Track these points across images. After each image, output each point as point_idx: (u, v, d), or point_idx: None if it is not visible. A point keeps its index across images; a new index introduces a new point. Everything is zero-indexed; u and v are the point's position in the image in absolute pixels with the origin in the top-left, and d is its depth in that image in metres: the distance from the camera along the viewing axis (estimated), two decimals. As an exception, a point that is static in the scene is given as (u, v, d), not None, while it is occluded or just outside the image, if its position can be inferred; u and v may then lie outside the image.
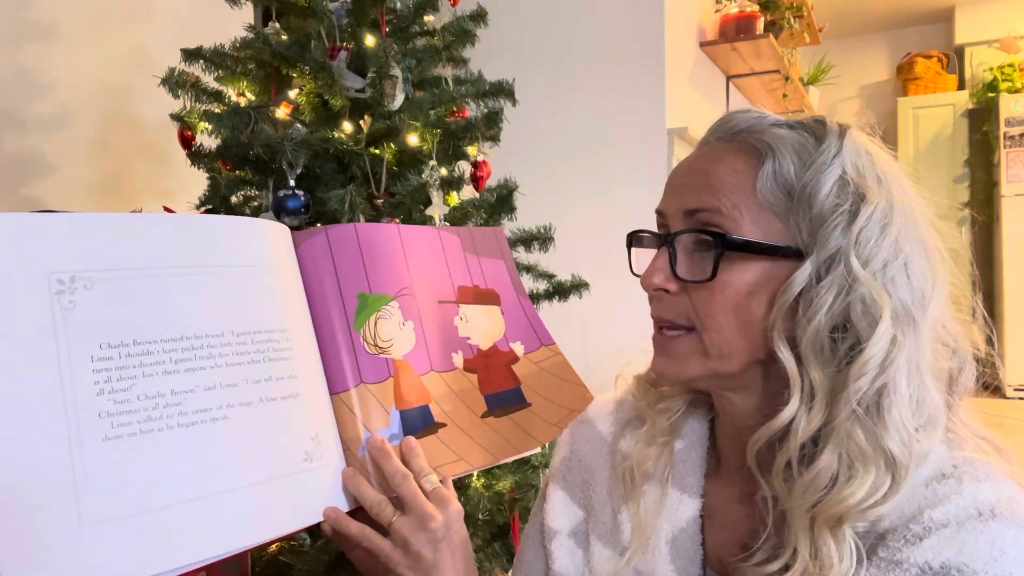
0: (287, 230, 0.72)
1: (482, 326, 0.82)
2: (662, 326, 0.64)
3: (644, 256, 0.66)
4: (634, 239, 0.68)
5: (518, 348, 0.84)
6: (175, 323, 0.60)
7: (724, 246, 0.58)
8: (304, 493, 0.65)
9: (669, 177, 0.66)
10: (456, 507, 0.68)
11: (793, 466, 0.57)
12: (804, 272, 0.57)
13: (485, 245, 0.86)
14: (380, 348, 0.73)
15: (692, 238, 0.61)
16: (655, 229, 0.67)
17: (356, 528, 0.66)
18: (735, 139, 0.62)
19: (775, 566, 0.57)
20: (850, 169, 0.58)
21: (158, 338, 0.59)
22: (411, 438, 0.70)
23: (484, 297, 0.84)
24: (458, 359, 0.79)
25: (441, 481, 0.69)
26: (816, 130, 0.61)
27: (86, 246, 0.58)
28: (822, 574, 0.54)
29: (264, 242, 0.69)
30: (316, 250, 0.72)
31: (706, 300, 0.60)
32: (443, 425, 0.74)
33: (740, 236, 0.59)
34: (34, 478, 0.52)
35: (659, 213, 0.66)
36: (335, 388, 0.70)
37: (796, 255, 0.58)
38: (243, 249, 0.67)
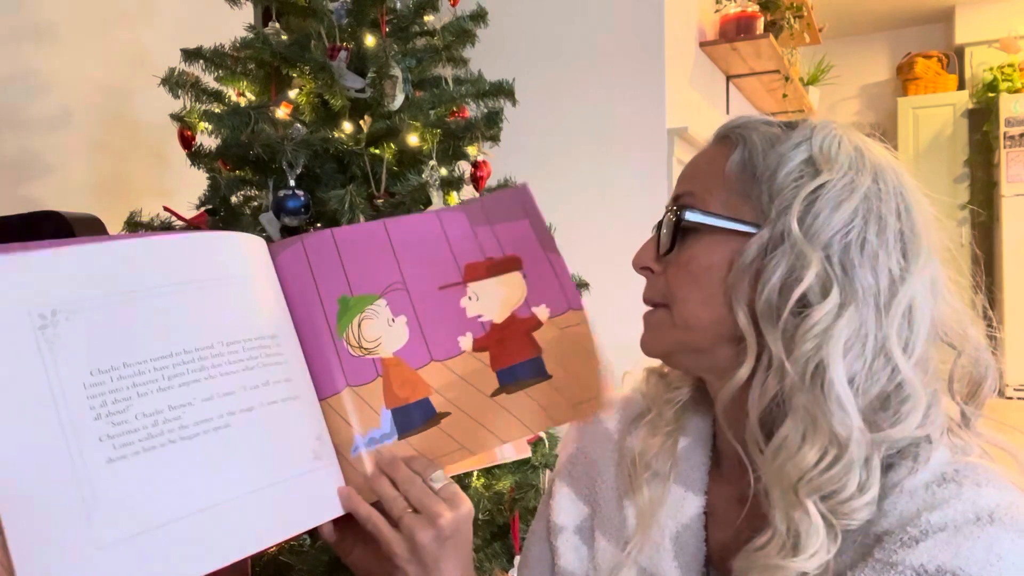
0: (262, 241, 0.73)
1: (498, 298, 0.79)
2: (647, 304, 0.68)
3: None
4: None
5: (542, 312, 0.79)
6: (162, 341, 0.61)
7: (681, 219, 0.63)
8: (318, 489, 0.66)
9: None
10: (467, 509, 0.68)
11: (757, 437, 0.59)
12: (759, 240, 0.60)
13: (502, 210, 0.83)
14: (366, 349, 0.73)
15: (668, 218, 0.65)
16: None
17: (365, 510, 0.66)
18: (721, 135, 0.67)
19: (760, 540, 0.58)
20: (817, 153, 0.61)
21: (147, 357, 0.59)
22: (388, 450, 0.70)
23: (499, 267, 0.81)
24: (466, 342, 0.77)
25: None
26: (794, 124, 0.64)
27: (62, 279, 0.59)
28: (795, 545, 0.55)
29: (239, 255, 0.69)
30: (293, 260, 0.73)
31: (675, 274, 0.64)
32: (447, 414, 0.74)
33: (697, 209, 0.63)
34: (46, 509, 0.53)
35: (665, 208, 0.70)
36: (323, 394, 0.70)
37: (758, 231, 0.61)
38: (218, 262, 0.67)
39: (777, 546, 0.56)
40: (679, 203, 0.65)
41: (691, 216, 0.63)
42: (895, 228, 0.59)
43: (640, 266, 0.68)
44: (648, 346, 0.68)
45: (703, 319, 0.63)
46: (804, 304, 0.57)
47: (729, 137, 0.65)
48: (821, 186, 0.59)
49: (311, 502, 0.65)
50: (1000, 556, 0.50)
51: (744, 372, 0.60)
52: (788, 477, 0.56)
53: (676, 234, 0.64)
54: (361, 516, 0.66)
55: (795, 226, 0.58)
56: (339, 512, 0.66)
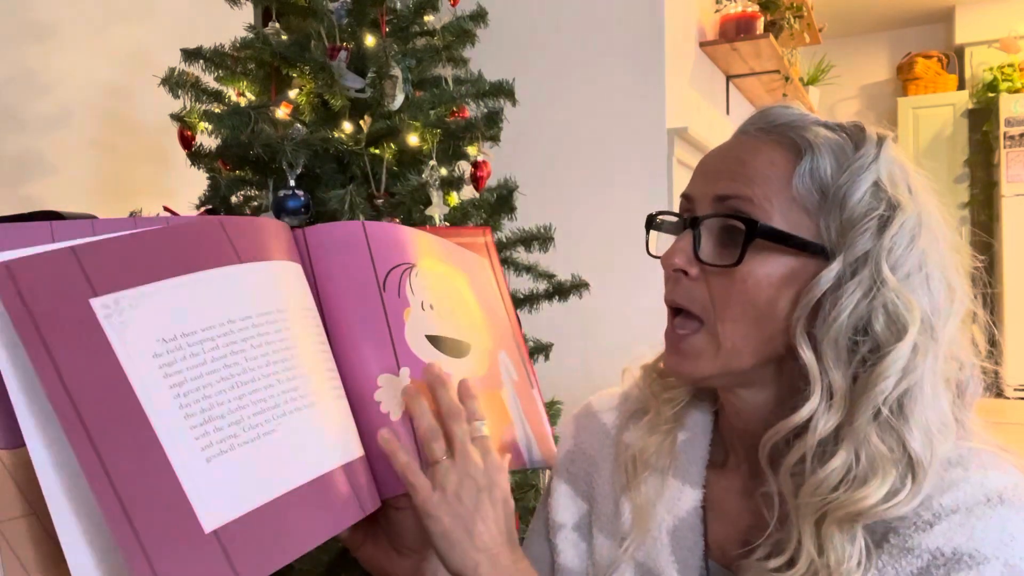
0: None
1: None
2: (676, 313, 0.64)
3: (662, 240, 0.66)
4: (654, 222, 0.68)
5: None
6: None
7: (754, 234, 0.58)
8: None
9: (700, 162, 0.65)
10: (495, 459, 0.64)
11: (807, 463, 0.57)
12: (832, 272, 0.57)
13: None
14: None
15: (720, 223, 0.61)
16: (677, 214, 0.67)
17: (403, 458, 0.62)
18: (775, 131, 0.62)
19: (779, 561, 0.57)
20: (884, 178, 0.59)
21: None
22: (468, 380, 0.67)
23: None
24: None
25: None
26: (855, 135, 0.61)
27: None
28: (830, 570, 0.54)
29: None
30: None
31: (725, 288, 0.60)
32: None
33: (772, 226, 0.59)
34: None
35: (686, 197, 0.65)
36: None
37: (822, 254, 0.59)
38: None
39: (805, 567, 0.55)
40: (731, 207, 0.60)
41: (766, 230, 0.58)
42: (941, 256, 0.59)
43: (676, 269, 0.62)
44: (686, 373, 0.63)
45: (752, 339, 0.60)
46: (875, 339, 0.56)
47: (793, 140, 0.61)
48: (902, 221, 0.57)
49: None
50: (1013, 536, 0.51)
51: (811, 407, 0.57)
52: (848, 509, 0.54)
53: (746, 248, 0.58)
54: (400, 464, 0.62)
55: (885, 266, 0.56)
56: (371, 509, 0.63)
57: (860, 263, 0.57)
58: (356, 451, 0.64)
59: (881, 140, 0.61)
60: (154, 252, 0.60)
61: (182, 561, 0.51)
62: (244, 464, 0.56)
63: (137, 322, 0.56)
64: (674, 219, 0.67)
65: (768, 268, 0.59)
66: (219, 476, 0.54)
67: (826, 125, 0.62)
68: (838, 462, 0.55)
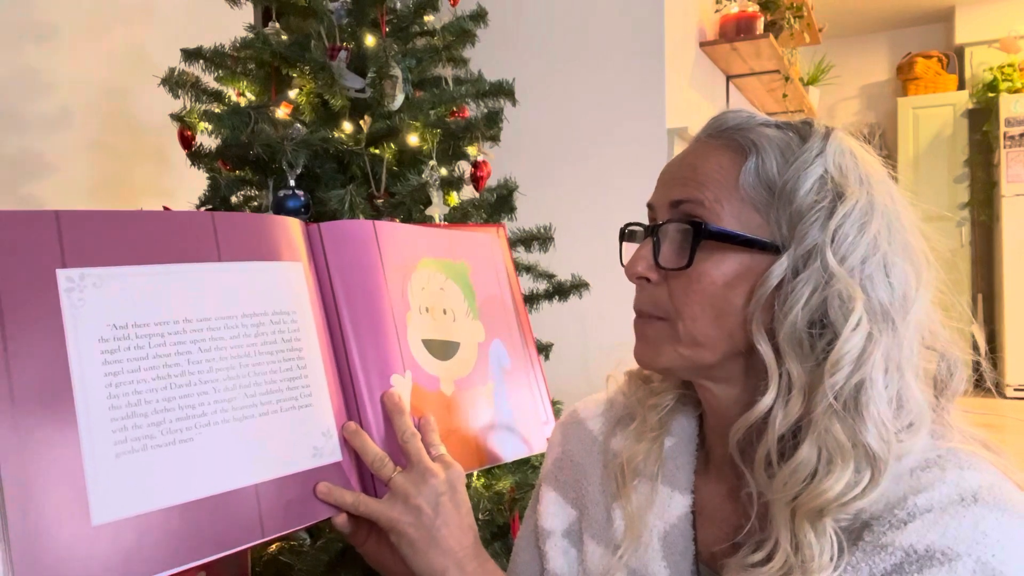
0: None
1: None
2: (641, 314, 0.66)
3: (634, 250, 0.67)
4: (626, 233, 0.70)
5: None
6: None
7: (702, 235, 0.60)
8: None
9: (660, 172, 0.67)
10: (458, 469, 0.69)
11: (773, 459, 0.58)
12: (781, 266, 0.58)
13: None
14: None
15: (675, 228, 0.63)
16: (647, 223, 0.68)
17: (350, 496, 0.66)
18: (722, 136, 0.64)
19: (758, 557, 0.58)
20: (832, 168, 0.60)
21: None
22: (430, 416, 0.72)
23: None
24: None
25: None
26: (802, 130, 0.62)
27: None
28: (804, 566, 0.55)
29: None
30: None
31: (683, 289, 0.62)
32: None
33: (719, 227, 0.60)
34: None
35: (649, 206, 0.67)
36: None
37: (774, 250, 0.60)
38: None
39: (780, 563, 0.56)
40: (684, 211, 0.62)
41: (713, 231, 0.60)
42: (902, 242, 0.59)
43: (637, 277, 0.65)
44: (647, 360, 0.66)
45: (713, 337, 0.61)
46: (833, 330, 0.57)
47: (738, 142, 0.62)
48: (846, 210, 0.58)
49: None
50: (985, 533, 0.51)
51: (768, 400, 0.58)
52: (813, 503, 0.55)
53: (694, 249, 0.60)
54: (348, 504, 0.66)
55: (831, 257, 0.57)
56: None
57: (809, 256, 0.58)
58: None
59: (828, 133, 0.62)
60: (134, 235, 0.60)
61: (62, 547, 0.51)
62: (151, 467, 0.56)
63: (94, 303, 0.56)
64: (641, 229, 0.69)
65: (722, 268, 0.60)
66: (123, 473, 0.55)
67: (775, 125, 0.63)
68: (802, 455, 0.56)
